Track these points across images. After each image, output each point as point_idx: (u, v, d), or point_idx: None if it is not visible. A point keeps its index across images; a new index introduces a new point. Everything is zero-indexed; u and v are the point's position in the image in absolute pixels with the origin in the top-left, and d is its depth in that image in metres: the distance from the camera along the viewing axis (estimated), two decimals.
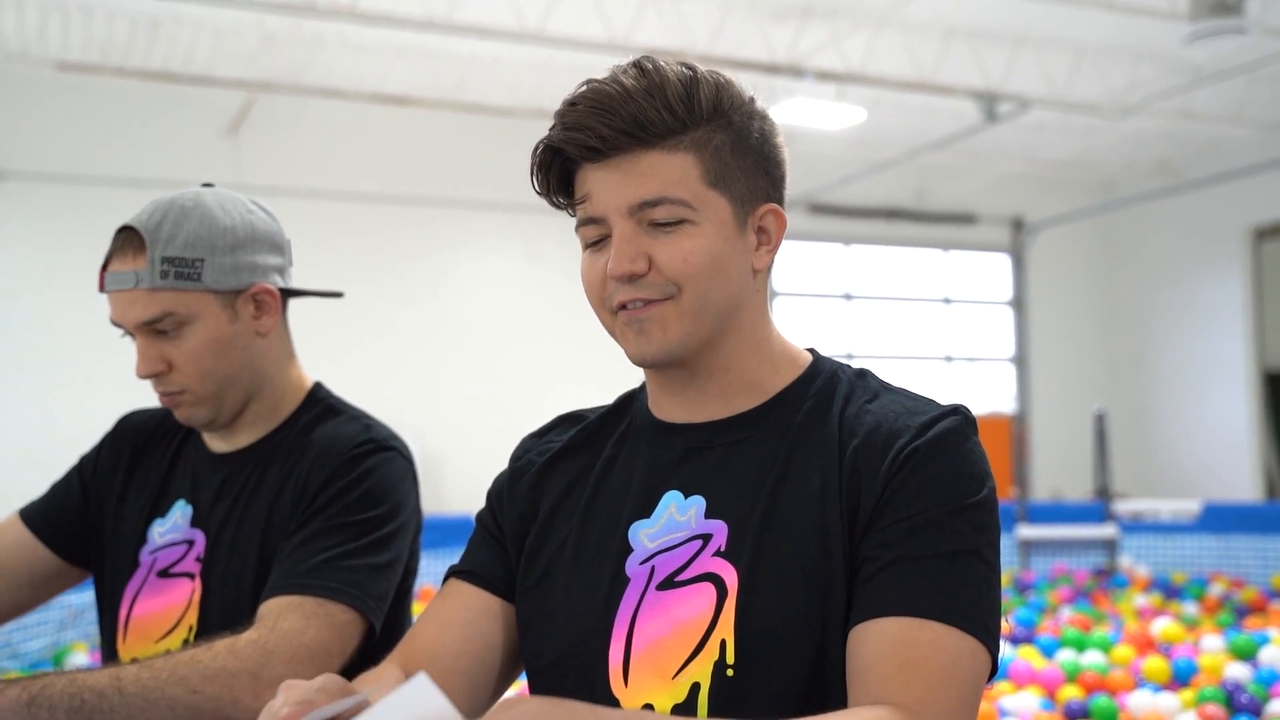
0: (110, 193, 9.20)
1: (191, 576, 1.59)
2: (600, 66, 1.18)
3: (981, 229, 12.86)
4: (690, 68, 1.18)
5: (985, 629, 1.05)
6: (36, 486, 1.85)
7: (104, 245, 1.59)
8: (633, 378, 1.28)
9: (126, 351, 1.59)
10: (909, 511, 1.09)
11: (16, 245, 9.21)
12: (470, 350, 10.40)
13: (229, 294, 1.57)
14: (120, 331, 1.59)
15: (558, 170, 1.19)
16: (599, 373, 10.45)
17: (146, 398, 1.64)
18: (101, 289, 1.57)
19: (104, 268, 1.57)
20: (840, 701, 1.06)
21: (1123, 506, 6.79)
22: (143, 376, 1.58)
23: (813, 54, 8.87)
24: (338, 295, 1.76)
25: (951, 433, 1.13)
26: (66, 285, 9.17)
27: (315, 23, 8.04)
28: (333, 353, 7.36)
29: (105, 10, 8.15)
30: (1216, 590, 5.59)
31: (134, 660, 1.37)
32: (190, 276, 1.53)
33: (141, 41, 8.62)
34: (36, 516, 1.73)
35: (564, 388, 9.96)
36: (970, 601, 1.06)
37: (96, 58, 8.76)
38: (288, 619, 1.41)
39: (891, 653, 1.03)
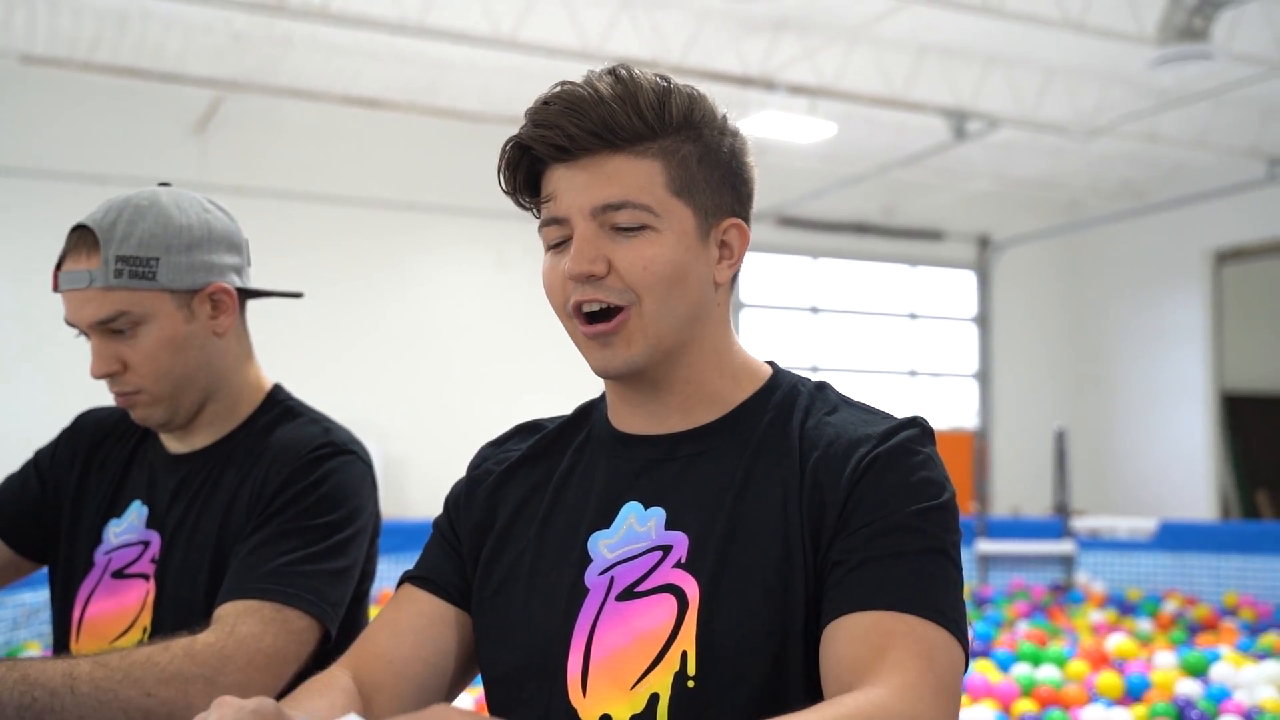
0: (75, 189, 9.10)
1: (146, 578, 1.58)
2: (573, 74, 1.19)
3: (948, 245, 12.95)
4: (665, 79, 1.18)
5: (955, 623, 1.06)
6: None
7: (60, 237, 1.58)
8: (598, 386, 1.28)
9: (85, 349, 1.58)
10: (874, 516, 1.10)
11: None
12: (436, 355, 10.37)
13: (185, 293, 1.56)
14: (76, 331, 1.58)
15: (525, 169, 1.19)
16: (564, 380, 10.39)
17: (103, 395, 1.63)
18: (55, 289, 1.55)
19: (58, 267, 1.55)
20: (798, 705, 1.06)
21: (1080, 523, 6.86)
22: (97, 377, 1.56)
23: (785, 67, 8.92)
24: (297, 295, 1.74)
25: (911, 441, 1.15)
26: (27, 282, 9.09)
27: (286, 22, 8.00)
28: (297, 355, 7.32)
29: (72, 4, 8.07)
30: (1170, 607, 5.65)
31: (87, 655, 1.35)
32: (145, 276, 1.51)
33: (109, 36, 8.54)
34: None
35: (530, 395, 9.94)
36: (940, 596, 1.07)
37: (63, 51, 8.68)
38: (245, 624, 1.40)
39: (866, 642, 1.03)
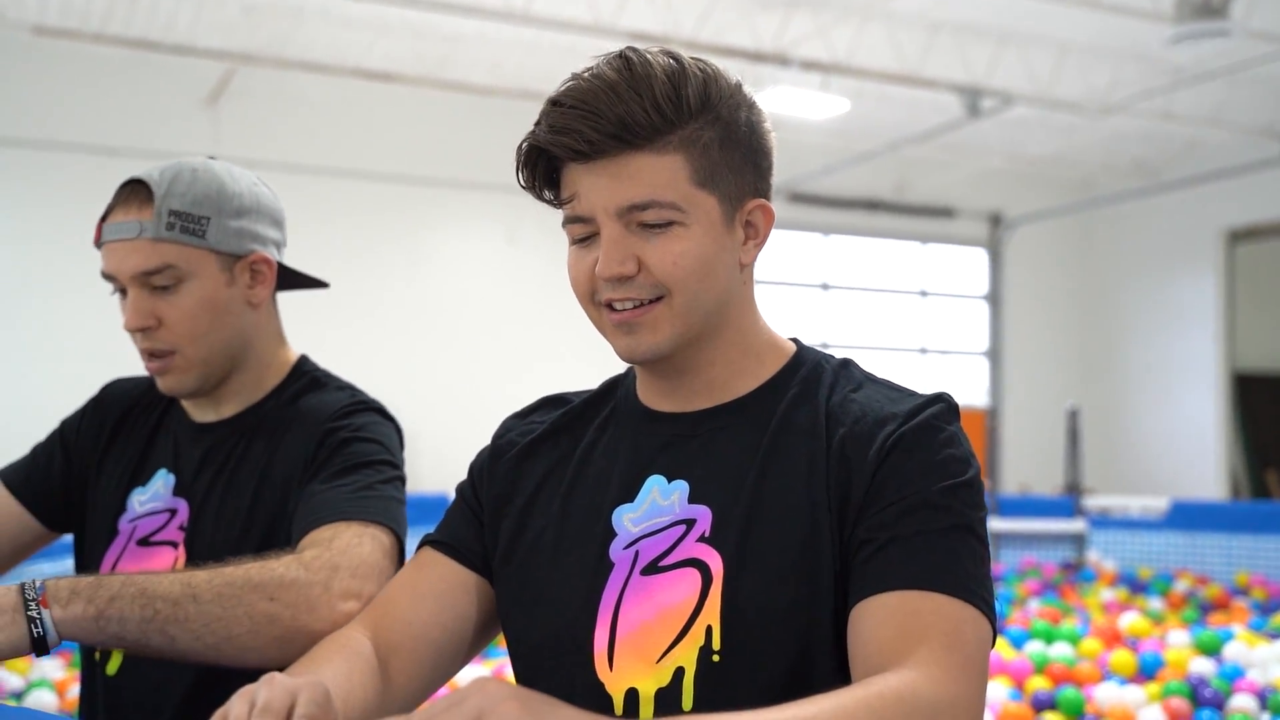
0: (85, 159, 9.12)
1: (174, 545, 1.57)
2: (585, 48, 1.17)
3: (960, 223, 12.92)
4: (676, 59, 1.15)
5: (983, 599, 1.06)
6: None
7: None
8: (606, 358, 1.27)
9: (101, 318, 1.57)
10: (901, 494, 1.09)
11: None
12: (445, 329, 10.38)
13: (229, 257, 1.56)
14: (112, 288, 1.57)
15: (544, 167, 1.17)
16: (574, 352, 10.41)
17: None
18: (98, 242, 1.55)
19: (103, 220, 1.55)
20: (826, 687, 1.05)
21: (1092, 502, 6.86)
22: (132, 329, 1.55)
23: (798, 43, 8.87)
24: (324, 285, 1.74)
25: (937, 418, 1.14)
26: (38, 250, 9.11)
27: None
28: (306, 328, 7.32)
29: None
30: (1182, 586, 5.65)
31: (199, 568, 1.33)
32: (195, 233, 1.52)
33: (121, 8, 8.53)
34: (17, 479, 1.70)
35: (540, 366, 9.95)
36: (967, 573, 1.06)
37: (75, 23, 8.66)
38: (340, 539, 1.39)
39: (894, 623, 1.03)
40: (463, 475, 1.35)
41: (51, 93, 9.23)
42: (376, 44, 9.09)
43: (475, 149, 10.23)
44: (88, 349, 8.68)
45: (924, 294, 12.95)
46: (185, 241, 1.52)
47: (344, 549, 1.38)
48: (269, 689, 0.88)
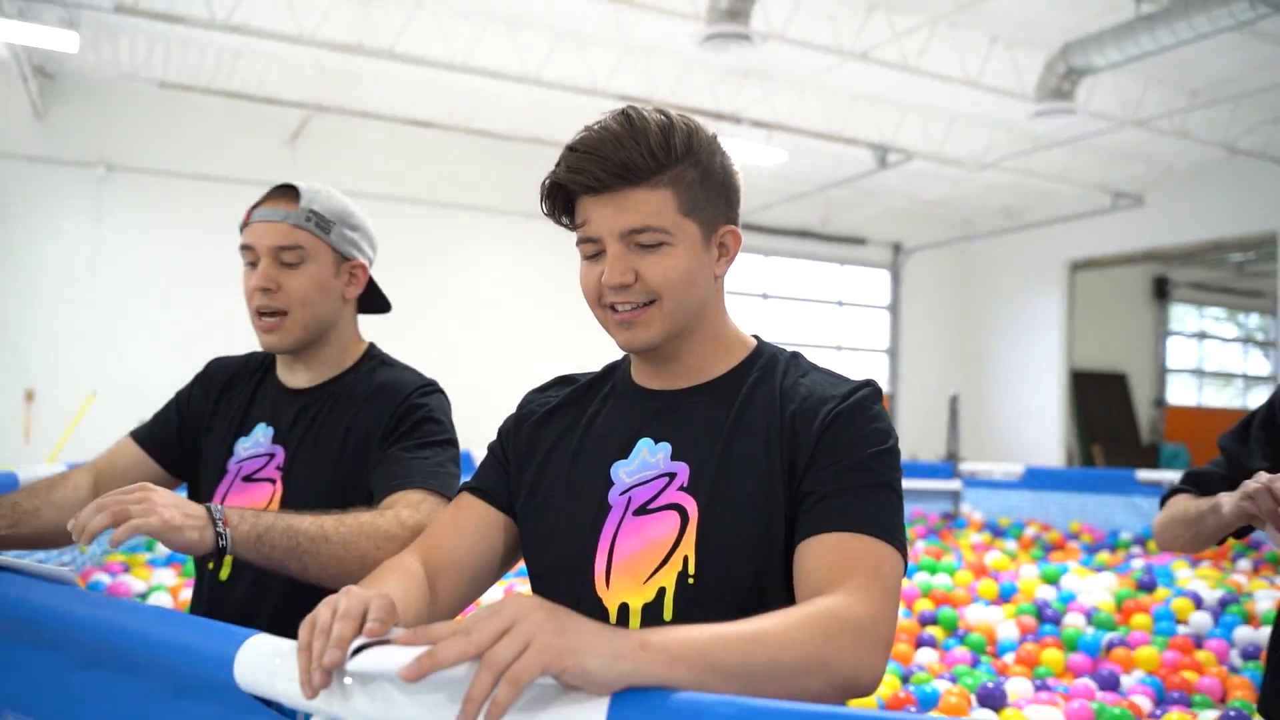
0: (194, 186, 9.03)
1: (272, 481, 1.59)
2: (583, 105, 1.16)
3: (870, 249, 12.94)
4: (666, 115, 1.15)
5: (899, 541, 1.06)
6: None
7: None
8: (598, 349, 1.26)
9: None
10: (837, 458, 1.10)
11: (121, 226, 8.99)
12: (471, 324, 10.29)
13: (340, 257, 1.63)
14: (246, 259, 1.60)
15: (562, 199, 1.17)
16: (571, 343, 10.43)
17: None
18: (245, 224, 1.60)
19: (253, 209, 1.61)
20: (779, 606, 1.05)
21: (965, 467, 6.89)
22: (258, 288, 1.57)
23: (749, 106, 8.86)
24: (387, 310, 1.80)
25: (866, 399, 1.15)
26: (155, 255, 9.01)
27: (362, 59, 7.89)
28: (364, 321, 7.27)
29: (198, 41, 7.96)
30: (1031, 532, 5.68)
31: (327, 514, 1.35)
32: (324, 230, 1.60)
33: (224, 67, 8.42)
34: (145, 437, 1.71)
35: (544, 355, 9.93)
36: (888, 520, 1.07)
37: (189, 79, 8.56)
38: (425, 506, 1.42)
39: (829, 558, 1.03)
40: (482, 439, 1.35)
41: (170, 133, 9.11)
42: (422, 98, 9.01)
43: (495, 182, 10.16)
44: (202, 338, 8.60)
45: (840, 304, 12.97)
46: (315, 233, 1.59)
47: (428, 515, 1.41)
48: (347, 599, 0.87)
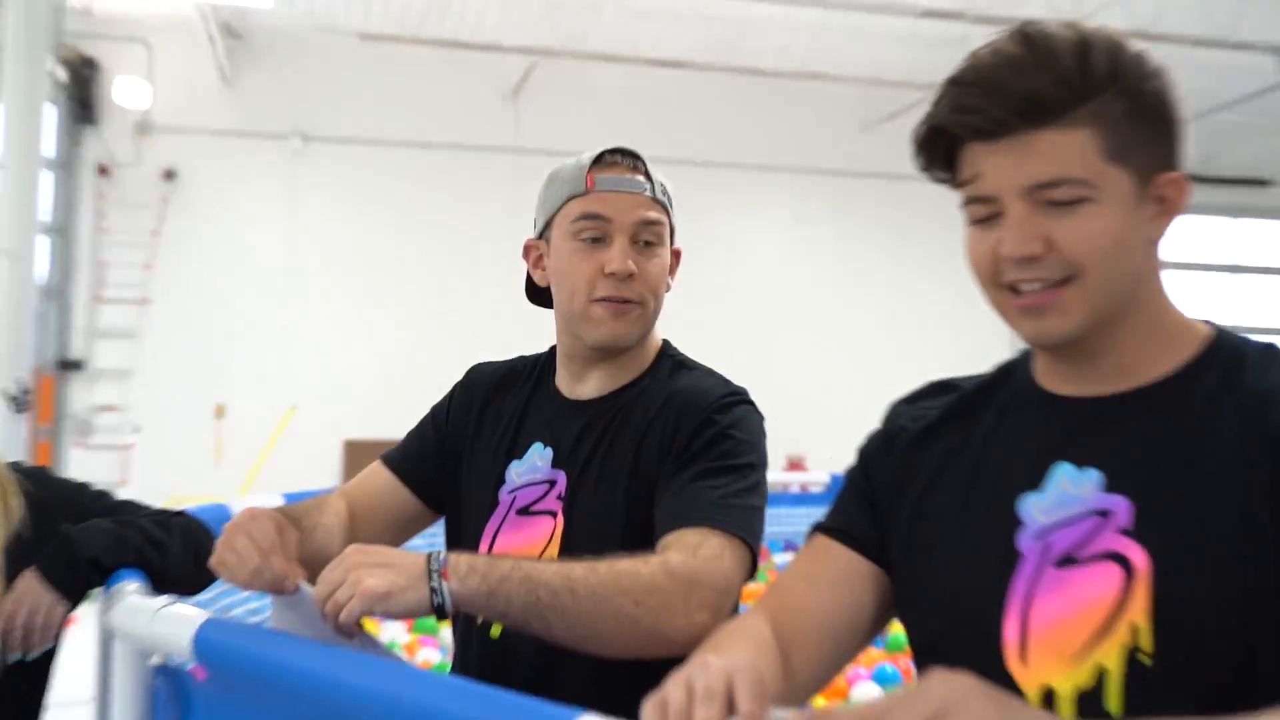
0: (400, 153, 9.65)
1: (553, 514, 1.63)
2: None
3: (1275, 192, 12.04)
4: (1077, 30, 1.11)
5: None
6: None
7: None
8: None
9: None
10: None
11: (320, 202, 9.77)
12: (736, 304, 10.35)
13: (671, 240, 1.75)
14: (590, 235, 1.68)
15: (943, 148, 1.15)
16: (874, 326, 10.22)
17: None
18: (591, 187, 1.69)
19: (594, 170, 1.71)
20: (1269, 697, 0.97)
21: None
22: (618, 272, 1.65)
23: (1099, 10, 8.39)
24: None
25: None
26: (359, 240, 9.68)
27: None
28: None
29: None
30: None
31: (576, 562, 1.40)
32: (668, 209, 1.75)
33: (435, 11, 8.95)
34: (400, 463, 1.79)
35: (836, 341, 9.84)
36: None
37: (394, 28, 9.16)
38: (705, 548, 1.44)
39: None
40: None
41: (371, 94, 9.81)
42: (669, 32, 9.20)
43: (761, 132, 10.20)
44: (412, 335, 9.14)
45: (1235, 269, 12.14)
46: (666, 209, 1.73)
47: (707, 560, 1.42)
48: (705, 673, 0.87)
